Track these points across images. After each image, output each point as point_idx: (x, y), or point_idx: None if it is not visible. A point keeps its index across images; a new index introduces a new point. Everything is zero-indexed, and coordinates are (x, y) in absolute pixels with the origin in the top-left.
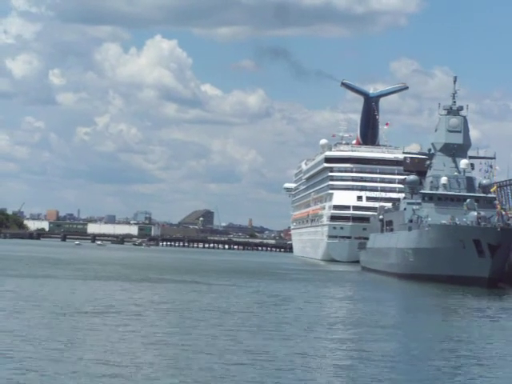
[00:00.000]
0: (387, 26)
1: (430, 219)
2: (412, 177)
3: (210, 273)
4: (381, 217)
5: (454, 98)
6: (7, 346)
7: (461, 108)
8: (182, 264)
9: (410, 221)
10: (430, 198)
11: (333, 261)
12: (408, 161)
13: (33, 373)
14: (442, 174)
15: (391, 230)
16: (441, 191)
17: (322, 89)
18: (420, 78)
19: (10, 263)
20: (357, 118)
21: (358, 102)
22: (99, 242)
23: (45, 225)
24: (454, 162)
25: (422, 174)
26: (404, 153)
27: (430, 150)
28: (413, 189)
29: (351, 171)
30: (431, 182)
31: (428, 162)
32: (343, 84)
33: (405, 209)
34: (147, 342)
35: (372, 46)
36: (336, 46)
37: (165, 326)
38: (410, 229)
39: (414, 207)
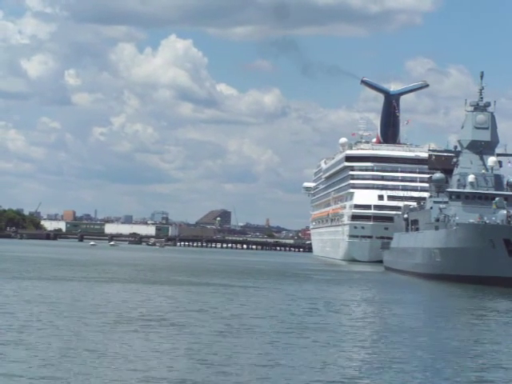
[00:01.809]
0: (402, 24)
1: (457, 218)
2: (438, 175)
3: (235, 274)
4: (405, 216)
5: (480, 94)
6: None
7: (488, 104)
8: (203, 265)
9: (437, 220)
10: (457, 196)
11: (354, 261)
12: (434, 158)
13: None
14: (469, 172)
15: (416, 229)
16: (468, 189)
17: (338, 88)
18: (436, 77)
19: (29, 265)
20: (372, 117)
21: (374, 101)
22: (112, 243)
23: (62, 225)
24: (482, 159)
25: (447, 171)
26: (430, 150)
27: (455, 147)
28: (439, 187)
29: (372, 170)
30: (458, 180)
31: (454, 160)
32: (363, 82)
33: (431, 207)
34: (202, 353)
35: (387, 45)
36: (351, 45)
37: (211, 335)
38: (436, 228)
39: (441, 206)
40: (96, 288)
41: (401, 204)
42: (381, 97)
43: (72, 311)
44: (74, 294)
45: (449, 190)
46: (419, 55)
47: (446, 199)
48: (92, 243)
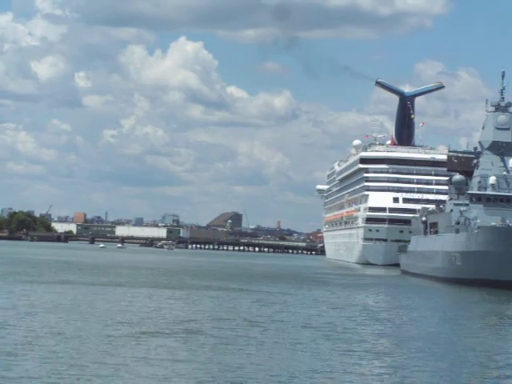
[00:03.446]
0: (413, 27)
1: (478, 221)
2: (458, 177)
3: (254, 278)
4: (423, 218)
5: (502, 95)
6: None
7: (509, 104)
8: (219, 269)
9: (457, 223)
10: (478, 198)
11: (368, 264)
12: (455, 160)
13: None
14: (490, 174)
15: (436, 232)
16: (489, 191)
17: (348, 90)
18: (446, 80)
19: (38, 268)
20: (383, 119)
21: (384, 104)
22: (119, 245)
23: (72, 227)
24: (503, 160)
25: (467, 173)
26: (449, 151)
27: (475, 148)
28: (459, 189)
29: (387, 172)
30: (479, 181)
31: (475, 161)
32: (378, 83)
33: (451, 210)
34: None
35: (398, 48)
36: (362, 47)
37: (247, 346)
38: (457, 231)
39: (462, 208)
40: (113, 293)
41: (416, 207)
42: (393, 100)
43: (91, 319)
44: (86, 300)
45: (469, 192)
46: (429, 58)
47: (467, 202)
48: (101, 245)
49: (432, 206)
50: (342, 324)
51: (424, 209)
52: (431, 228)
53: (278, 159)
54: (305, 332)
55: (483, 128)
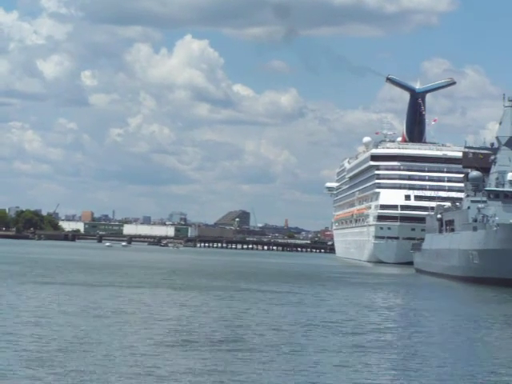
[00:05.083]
0: (419, 25)
1: (497, 218)
2: (475, 173)
3: (267, 277)
4: (439, 216)
5: None
6: None
7: None
8: (234, 269)
9: (475, 220)
10: (495, 195)
11: (379, 262)
12: (471, 156)
13: None
14: (507, 170)
15: (452, 230)
16: (507, 188)
17: (355, 88)
18: (452, 78)
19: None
20: (390, 117)
21: (391, 102)
22: (124, 243)
23: (80, 226)
24: None
25: (483, 170)
26: (466, 147)
27: (492, 144)
28: (476, 186)
29: (399, 169)
30: (496, 178)
31: (492, 157)
32: (388, 79)
33: (468, 207)
34: None
35: (403, 46)
36: (367, 45)
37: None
38: (475, 229)
39: (479, 205)
40: (128, 295)
41: (428, 204)
42: (400, 97)
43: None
44: (100, 302)
45: (487, 188)
46: (436, 56)
47: (484, 198)
48: (108, 244)
49: (447, 204)
50: (373, 327)
51: (439, 206)
52: (447, 226)
53: (285, 157)
54: (336, 337)
55: (500, 123)
